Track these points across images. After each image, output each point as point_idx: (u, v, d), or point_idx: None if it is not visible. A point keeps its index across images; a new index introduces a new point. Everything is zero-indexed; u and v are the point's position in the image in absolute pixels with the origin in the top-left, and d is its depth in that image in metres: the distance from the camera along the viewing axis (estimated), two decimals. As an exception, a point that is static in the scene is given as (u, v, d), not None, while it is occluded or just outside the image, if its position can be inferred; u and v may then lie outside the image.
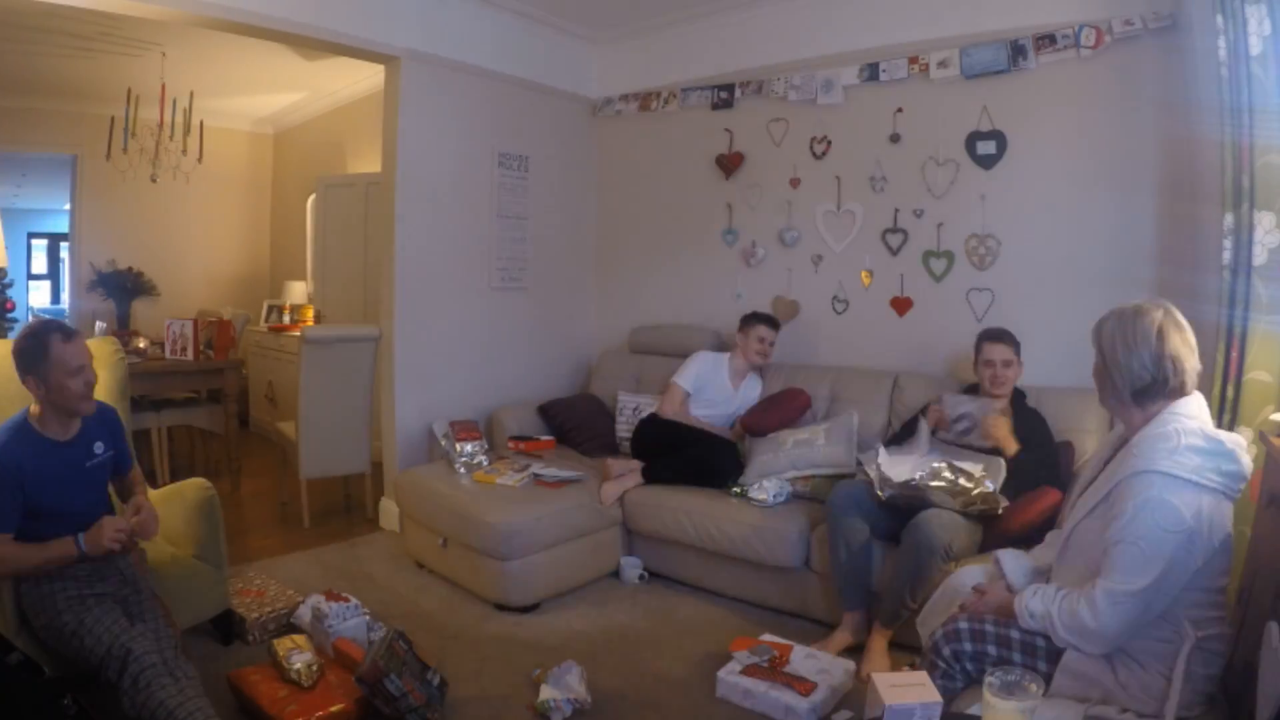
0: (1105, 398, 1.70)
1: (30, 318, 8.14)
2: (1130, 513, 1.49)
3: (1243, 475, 1.54)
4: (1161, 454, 1.50)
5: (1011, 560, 1.87)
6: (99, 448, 2.21)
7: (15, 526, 1.99)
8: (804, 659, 2.44)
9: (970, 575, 1.96)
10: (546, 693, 2.26)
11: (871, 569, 2.67)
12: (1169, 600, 1.50)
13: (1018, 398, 2.87)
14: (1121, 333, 1.63)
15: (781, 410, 3.42)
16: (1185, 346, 1.61)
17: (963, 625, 1.70)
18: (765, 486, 3.04)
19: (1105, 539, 1.53)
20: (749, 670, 2.37)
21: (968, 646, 1.67)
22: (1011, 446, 2.66)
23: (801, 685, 2.28)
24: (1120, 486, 1.54)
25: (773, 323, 3.62)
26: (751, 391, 3.66)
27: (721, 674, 2.39)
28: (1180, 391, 1.60)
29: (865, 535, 2.65)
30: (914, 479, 2.56)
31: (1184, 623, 1.51)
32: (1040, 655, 1.63)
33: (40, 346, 2.03)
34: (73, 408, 2.10)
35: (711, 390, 3.61)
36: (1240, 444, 1.56)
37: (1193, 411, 1.58)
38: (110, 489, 2.33)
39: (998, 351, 2.86)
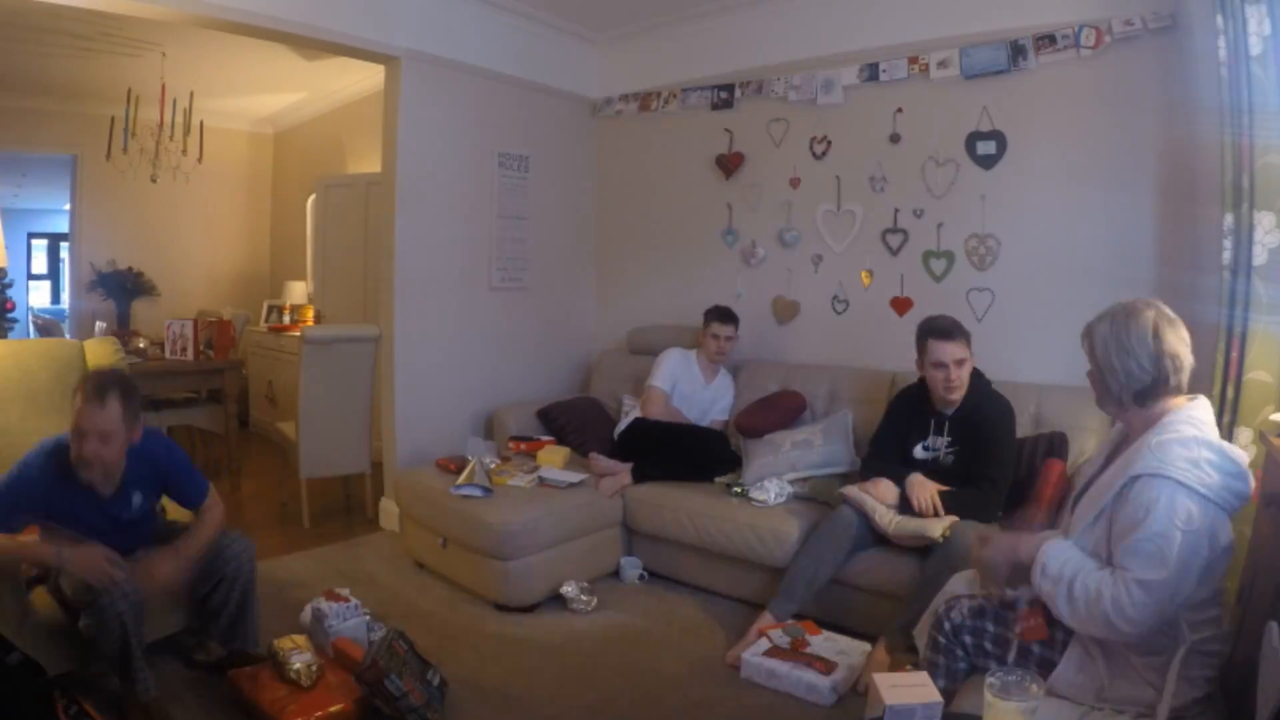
0: (1104, 402, 1.68)
1: (32, 318, 8.14)
2: (1147, 514, 1.46)
3: (1247, 496, 1.52)
4: (1182, 463, 1.47)
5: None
6: (136, 499, 2.19)
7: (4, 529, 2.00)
8: (823, 642, 2.56)
9: (966, 579, 1.96)
10: None
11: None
12: (1183, 597, 1.48)
13: (977, 381, 2.68)
14: (1116, 335, 1.60)
15: (777, 411, 3.42)
16: (1181, 343, 1.60)
17: (964, 604, 1.72)
18: (766, 487, 3.04)
19: (1118, 537, 1.51)
20: (772, 652, 2.47)
21: (968, 621, 1.69)
22: (936, 529, 2.46)
23: (822, 665, 2.38)
24: (1136, 486, 1.50)
25: (726, 317, 3.61)
26: (724, 389, 3.72)
27: (746, 655, 2.48)
28: (1180, 390, 1.59)
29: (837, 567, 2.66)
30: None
31: (1182, 625, 1.50)
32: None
33: (75, 401, 2.03)
34: (82, 468, 2.06)
35: (685, 385, 3.65)
36: (1246, 462, 1.54)
37: (1205, 419, 1.55)
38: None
39: (948, 351, 2.56)
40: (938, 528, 2.46)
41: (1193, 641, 1.49)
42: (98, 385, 2.04)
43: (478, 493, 3.10)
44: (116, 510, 2.17)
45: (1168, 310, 1.63)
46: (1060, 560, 1.55)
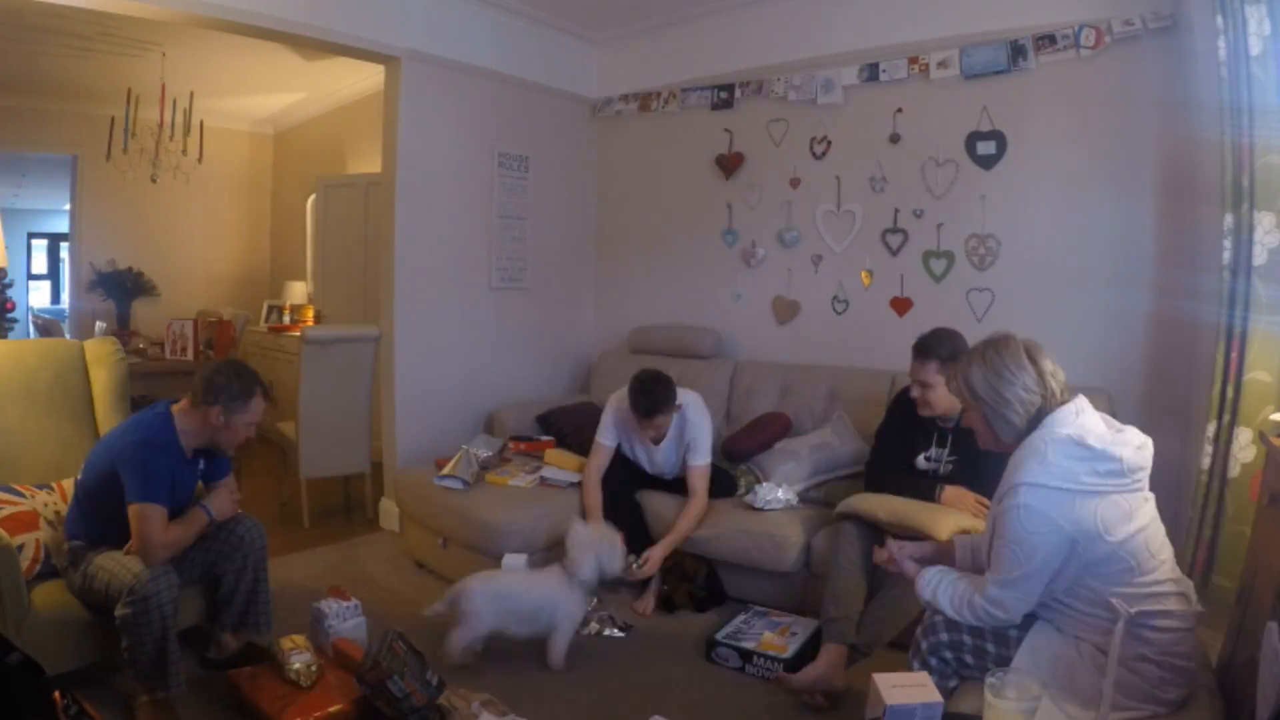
0: (1007, 436, 1.67)
1: (32, 318, 8.14)
2: (1003, 524, 1.57)
3: (1128, 468, 1.54)
4: (1031, 466, 1.55)
5: (966, 540, 1.98)
6: (200, 466, 2.41)
7: (169, 502, 2.19)
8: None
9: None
10: None
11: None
12: (1063, 585, 1.58)
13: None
14: (994, 371, 1.65)
15: (766, 433, 3.40)
16: (1049, 358, 1.68)
17: (939, 617, 1.74)
18: (776, 493, 3.01)
19: (992, 547, 1.62)
20: None
21: (944, 637, 1.72)
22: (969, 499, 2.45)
23: None
24: (1000, 503, 1.60)
25: (648, 410, 2.94)
26: (684, 433, 3.10)
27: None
28: (1059, 399, 1.64)
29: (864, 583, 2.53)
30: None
31: (1110, 601, 1.52)
32: (1013, 644, 1.65)
33: (247, 394, 2.28)
34: (226, 447, 2.36)
35: (632, 441, 3.23)
36: (1120, 439, 1.57)
37: (1066, 419, 1.59)
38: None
39: (918, 371, 2.54)
40: (944, 529, 2.36)
41: (1133, 614, 1.50)
42: (260, 381, 2.35)
43: (457, 485, 3.14)
44: (188, 476, 2.36)
45: (1019, 334, 1.71)
46: (927, 582, 1.74)
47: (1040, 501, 1.52)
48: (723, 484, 3.21)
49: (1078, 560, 1.54)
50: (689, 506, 3.01)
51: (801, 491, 3.12)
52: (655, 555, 2.91)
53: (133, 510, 2.12)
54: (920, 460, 2.71)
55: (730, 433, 3.54)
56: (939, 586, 1.71)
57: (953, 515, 2.39)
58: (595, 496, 3.10)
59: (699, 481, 3.05)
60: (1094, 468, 1.53)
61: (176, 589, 2.09)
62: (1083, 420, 1.59)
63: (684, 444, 3.11)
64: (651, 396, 2.94)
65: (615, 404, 3.18)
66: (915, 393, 2.60)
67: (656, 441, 3.13)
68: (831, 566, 2.61)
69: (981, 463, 2.50)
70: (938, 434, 2.67)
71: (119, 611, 2.03)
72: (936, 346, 2.52)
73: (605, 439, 3.19)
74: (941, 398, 2.54)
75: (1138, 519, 1.55)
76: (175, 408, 2.29)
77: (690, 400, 3.12)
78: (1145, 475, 1.59)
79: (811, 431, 3.38)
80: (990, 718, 1.35)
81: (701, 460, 3.07)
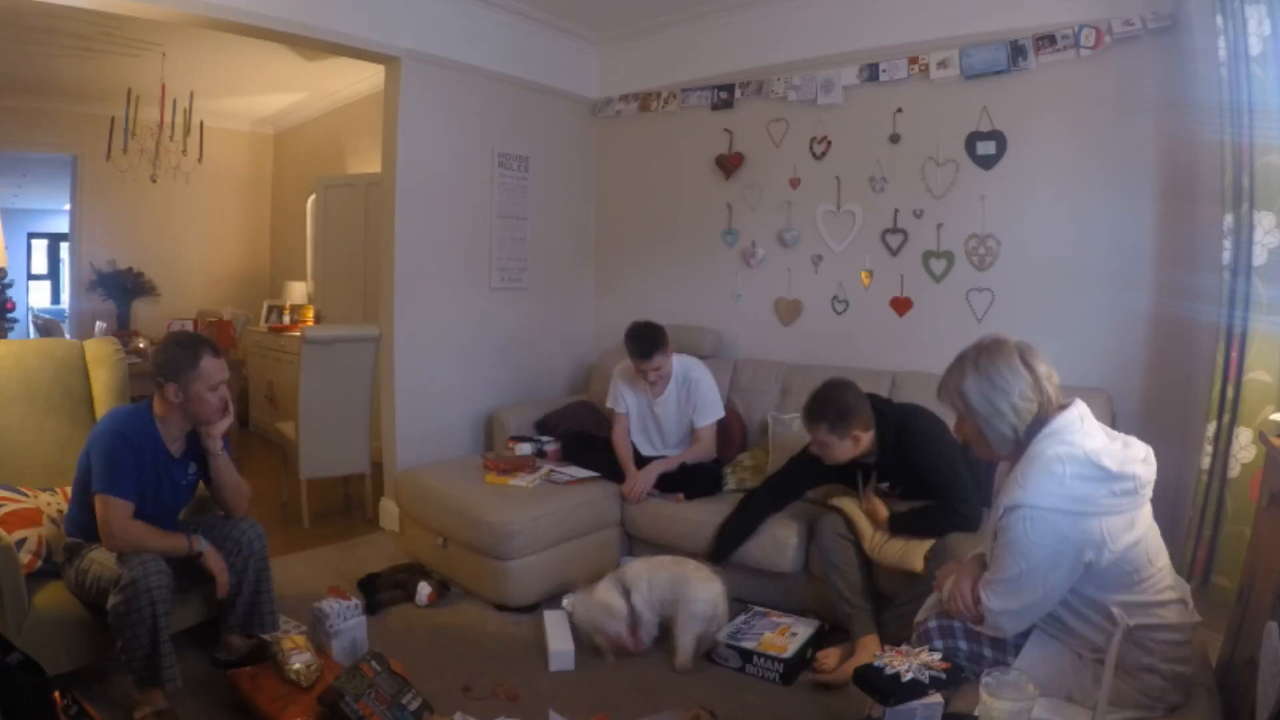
0: (1001, 448, 1.62)
1: (32, 318, 8.14)
2: (1008, 546, 1.51)
3: (1143, 482, 1.52)
4: (1047, 488, 1.48)
5: None
6: (191, 469, 2.34)
7: (135, 498, 2.13)
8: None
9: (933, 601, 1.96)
10: None
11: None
12: (1057, 590, 1.52)
13: (882, 424, 2.56)
14: (988, 380, 1.59)
15: (725, 434, 3.44)
16: (1044, 361, 1.62)
17: (932, 625, 1.73)
18: None
19: (991, 564, 1.59)
20: None
21: (939, 644, 1.70)
22: (917, 560, 2.43)
23: None
24: (1003, 519, 1.53)
25: (644, 352, 3.19)
26: (685, 391, 3.35)
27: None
28: (1055, 404, 1.59)
29: (865, 570, 2.61)
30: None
31: (1111, 610, 1.51)
32: (1010, 650, 1.65)
33: (192, 357, 2.19)
34: (206, 419, 2.27)
35: (638, 416, 3.44)
36: (1130, 454, 1.53)
37: (1070, 431, 1.53)
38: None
39: (812, 432, 2.56)
40: (918, 559, 2.42)
41: (1131, 627, 1.49)
42: (209, 342, 2.27)
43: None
44: (176, 474, 2.30)
45: (1011, 337, 1.66)
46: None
47: (1044, 523, 1.47)
48: (707, 480, 3.22)
49: (1078, 567, 1.50)
50: (694, 447, 3.32)
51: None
52: (648, 473, 3.20)
53: (95, 499, 2.11)
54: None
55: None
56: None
57: (899, 547, 2.50)
58: (625, 448, 3.38)
59: (707, 434, 3.32)
60: (1111, 489, 1.48)
61: (166, 576, 2.05)
62: (1087, 428, 1.54)
63: (691, 405, 3.33)
64: (645, 338, 3.22)
65: (620, 371, 3.47)
66: (815, 450, 2.61)
67: (659, 394, 3.34)
68: (827, 568, 2.63)
69: (925, 481, 2.53)
70: (862, 471, 2.67)
71: (110, 603, 2.01)
72: (823, 412, 2.52)
73: (620, 406, 3.44)
74: (843, 451, 2.54)
75: (1138, 527, 1.52)
76: (153, 400, 2.26)
77: (692, 363, 3.41)
78: (1151, 486, 1.55)
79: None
80: (984, 715, 1.35)
81: (708, 420, 3.32)
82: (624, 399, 3.44)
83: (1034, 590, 1.52)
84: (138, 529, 2.13)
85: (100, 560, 2.12)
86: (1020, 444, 1.58)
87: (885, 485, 2.65)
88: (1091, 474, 1.48)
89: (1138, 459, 1.53)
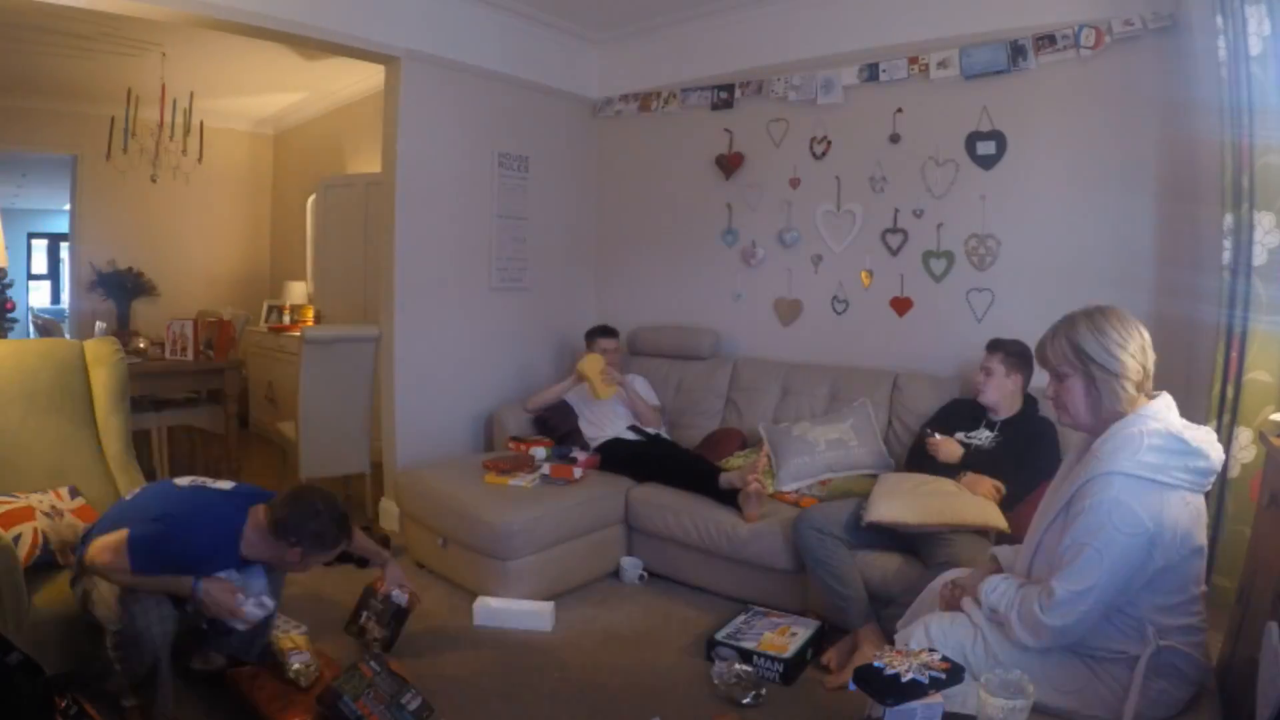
0: (1102, 414, 1.58)
1: (32, 318, 8.14)
2: (1088, 513, 1.48)
3: (1212, 469, 1.52)
4: (1124, 455, 1.48)
5: (1008, 552, 1.87)
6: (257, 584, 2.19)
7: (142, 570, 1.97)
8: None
9: (950, 576, 1.95)
10: None
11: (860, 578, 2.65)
12: (1124, 599, 1.49)
13: (1029, 404, 2.85)
14: (1101, 333, 1.57)
15: (718, 451, 3.50)
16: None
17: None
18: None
19: (1063, 541, 1.53)
20: None
21: None
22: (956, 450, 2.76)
23: None
24: (1082, 489, 1.53)
25: (607, 332, 3.85)
26: (635, 385, 3.80)
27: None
28: (1150, 384, 1.59)
29: (850, 559, 2.65)
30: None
31: (1147, 627, 1.50)
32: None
33: (336, 543, 2.13)
34: (289, 571, 2.24)
35: (591, 406, 3.73)
36: (1209, 440, 1.53)
37: (1159, 413, 1.54)
38: None
39: (984, 359, 2.88)
40: (999, 515, 2.49)
41: (1160, 646, 1.47)
42: (347, 529, 2.19)
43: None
44: (222, 569, 2.12)
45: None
46: (998, 592, 1.62)
47: (1129, 495, 1.45)
48: (705, 475, 3.21)
49: (1146, 569, 1.47)
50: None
51: (805, 488, 3.12)
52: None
53: (116, 536, 1.95)
54: (960, 434, 2.84)
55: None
56: (999, 586, 1.63)
57: (973, 500, 2.52)
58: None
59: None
60: (1186, 463, 1.48)
61: (170, 622, 2.00)
62: (1171, 416, 1.54)
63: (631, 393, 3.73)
64: (605, 327, 3.89)
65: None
66: (978, 376, 2.87)
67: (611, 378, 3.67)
68: (812, 564, 2.66)
69: (1023, 459, 2.67)
70: (985, 421, 2.85)
71: (109, 641, 1.97)
72: (1005, 344, 2.84)
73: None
74: (996, 385, 2.82)
75: (1201, 532, 1.50)
76: (251, 516, 2.09)
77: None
78: (1214, 478, 1.54)
79: (826, 416, 3.34)
80: (980, 713, 1.35)
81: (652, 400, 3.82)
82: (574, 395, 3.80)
83: (1098, 574, 1.46)
84: (134, 578, 1.98)
85: (104, 600, 2.03)
86: (1131, 397, 1.56)
87: (995, 436, 2.81)
88: (1169, 445, 1.48)
89: (1213, 443, 1.53)
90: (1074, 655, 1.57)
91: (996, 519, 2.46)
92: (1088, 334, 1.58)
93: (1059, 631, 1.50)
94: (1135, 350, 1.56)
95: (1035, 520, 1.72)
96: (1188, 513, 1.50)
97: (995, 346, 2.86)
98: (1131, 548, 1.45)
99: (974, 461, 2.72)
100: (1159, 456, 1.48)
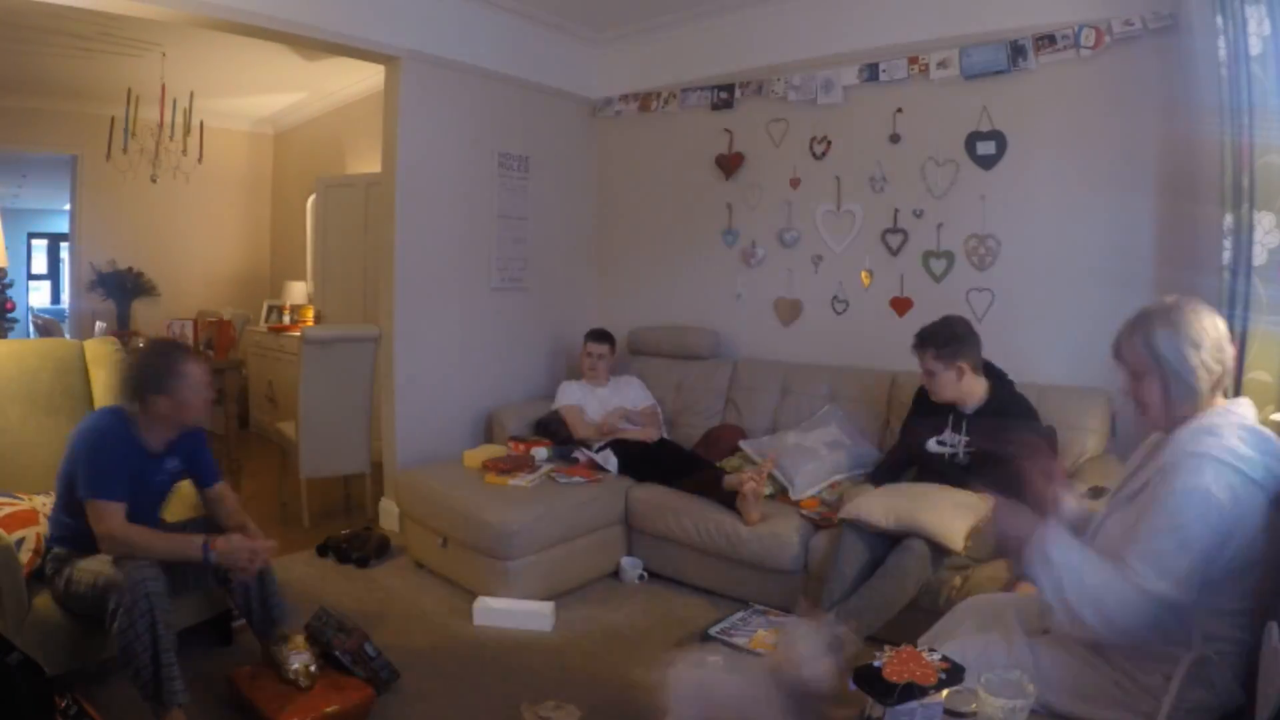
0: (1179, 411, 1.52)
1: (32, 318, 8.14)
2: (1177, 495, 1.41)
3: None
4: (1213, 441, 1.43)
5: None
6: (172, 464, 2.33)
7: (127, 497, 2.10)
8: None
9: (983, 600, 1.92)
10: None
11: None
12: (1189, 596, 1.42)
13: (999, 385, 2.73)
14: (1181, 332, 1.51)
15: (718, 447, 3.51)
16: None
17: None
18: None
19: (1141, 524, 1.45)
20: None
21: None
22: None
23: None
24: (1168, 469, 1.45)
25: (600, 337, 3.88)
26: (624, 385, 3.89)
27: None
28: (1225, 381, 1.54)
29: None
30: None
31: (1195, 634, 1.46)
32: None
33: (177, 366, 2.17)
34: (191, 422, 2.27)
35: (590, 405, 3.78)
36: None
37: (1243, 411, 1.51)
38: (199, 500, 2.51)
39: (920, 361, 2.70)
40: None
41: (1206, 655, 1.44)
42: (185, 348, 2.31)
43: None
44: (152, 472, 2.26)
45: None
46: (1067, 549, 1.47)
47: (1215, 479, 1.39)
48: (708, 479, 3.19)
49: (1218, 559, 1.41)
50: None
51: (816, 494, 3.11)
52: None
53: (86, 506, 2.08)
54: (931, 444, 2.76)
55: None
56: (1073, 564, 1.45)
57: (946, 512, 2.44)
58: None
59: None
60: (1268, 464, 1.43)
61: (161, 581, 2.01)
62: (1253, 416, 1.50)
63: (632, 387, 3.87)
64: (601, 332, 3.92)
65: (566, 384, 3.89)
66: (923, 381, 2.73)
67: (595, 375, 3.83)
68: (831, 571, 2.63)
69: (999, 448, 2.52)
70: (953, 418, 2.73)
71: (110, 609, 1.97)
72: (932, 336, 2.67)
73: (568, 402, 3.77)
74: (945, 384, 2.66)
75: (1258, 547, 1.45)
76: (128, 417, 2.20)
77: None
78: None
79: (807, 424, 3.37)
80: (979, 712, 1.35)
81: (635, 406, 3.82)
82: (572, 398, 3.81)
83: (1185, 555, 1.39)
84: (141, 532, 2.09)
85: (90, 568, 2.07)
86: (1203, 397, 1.51)
87: (966, 441, 2.67)
88: (1255, 440, 1.44)
89: None
90: (1104, 660, 1.54)
91: (950, 538, 2.39)
92: (1163, 334, 1.53)
93: (1159, 600, 1.40)
94: (1211, 348, 1.51)
95: (1108, 508, 1.65)
96: (1254, 515, 1.43)
97: (921, 343, 2.69)
98: (1212, 542, 1.39)
99: (949, 473, 2.63)
100: (1247, 449, 1.43)
